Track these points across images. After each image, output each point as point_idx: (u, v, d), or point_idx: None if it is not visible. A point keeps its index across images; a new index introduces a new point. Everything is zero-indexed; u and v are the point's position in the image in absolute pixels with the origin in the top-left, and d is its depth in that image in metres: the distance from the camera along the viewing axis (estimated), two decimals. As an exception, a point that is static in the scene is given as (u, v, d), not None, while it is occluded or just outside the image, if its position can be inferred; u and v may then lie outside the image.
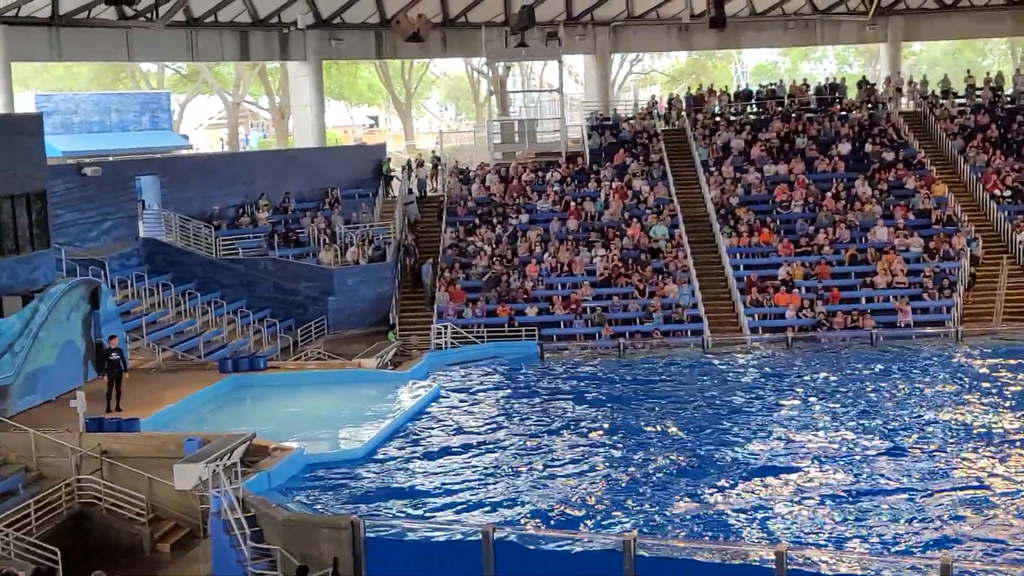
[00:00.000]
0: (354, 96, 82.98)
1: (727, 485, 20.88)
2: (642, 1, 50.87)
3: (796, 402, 27.38)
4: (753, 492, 20.48)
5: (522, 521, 19.22)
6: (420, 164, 47.62)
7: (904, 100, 50.41)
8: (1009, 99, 48.66)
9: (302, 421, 25.99)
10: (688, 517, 19.13)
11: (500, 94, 58.31)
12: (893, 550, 17.35)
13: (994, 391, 27.66)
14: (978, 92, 49.26)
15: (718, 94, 50.59)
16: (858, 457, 22.37)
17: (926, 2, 51.50)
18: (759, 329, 36.18)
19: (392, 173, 46.12)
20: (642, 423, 25.66)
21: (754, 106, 50.11)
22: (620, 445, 23.95)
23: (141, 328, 31.91)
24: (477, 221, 41.99)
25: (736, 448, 23.37)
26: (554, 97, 51.20)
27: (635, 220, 41.19)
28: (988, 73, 52.66)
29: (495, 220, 42.01)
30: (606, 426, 25.58)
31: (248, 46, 47.62)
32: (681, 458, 22.63)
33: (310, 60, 49.20)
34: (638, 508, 19.67)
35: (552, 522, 19.15)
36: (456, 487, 21.29)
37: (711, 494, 20.41)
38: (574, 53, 55.36)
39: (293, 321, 37.01)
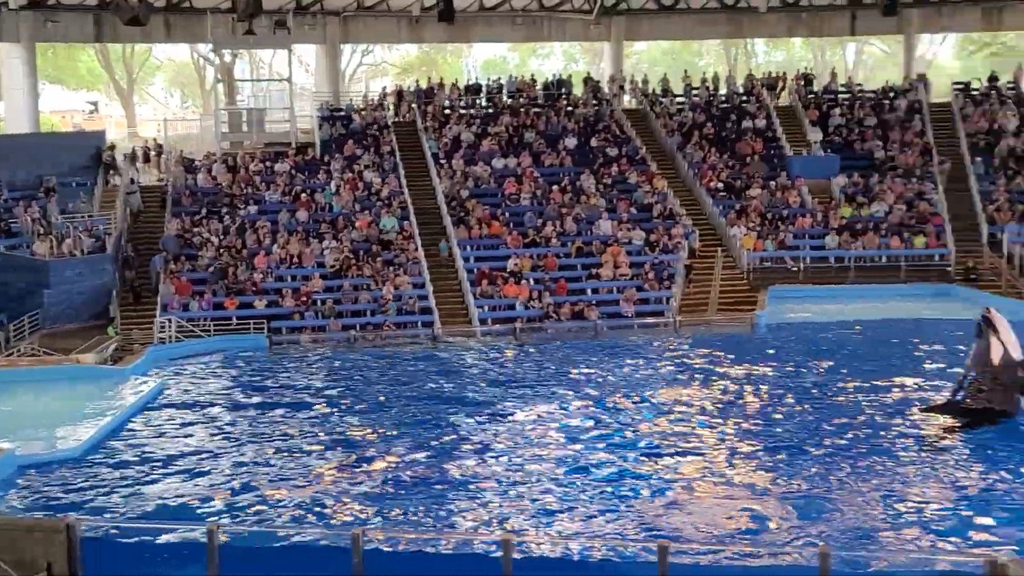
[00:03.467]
0: (72, 80, 79.35)
1: (456, 475, 21.01)
2: (373, -8, 50.74)
3: (524, 391, 27.83)
4: (481, 481, 20.67)
5: (249, 518, 18.79)
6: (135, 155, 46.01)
7: (627, 97, 52.09)
8: (723, 99, 51.01)
9: (14, 420, 24.66)
10: (420, 508, 19.13)
11: (227, 82, 56.90)
12: (616, 534, 17.84)
13: (707, 378, 28.88)
14: (695, 91, 51.41)
15: (448, 87, 50.97)
16: (585, 444, 22.92)
17: (647, 3, 53.37)
18: (488, 320, 36.76)
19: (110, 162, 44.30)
20: (374, 416, 25.54)
21: (484, 100, 50.73)
22: (351, 438, 23.75)
23: None
24: (204, 211, 40.86)
25: (465, 439, 23.56)
26: (283, 86, 50.37)
27: (366, 212, 41.05)
28: (704, 73, 55.06)
29: (223, 211, 40.99)
30: (337, 420, 25.35)
31: (-46, 25, 44.85)
32: (412, 449, 22.63)
33: (23, 42, 46.70)
34: (370, 501, 19.54)
35: (281, 519, 18.80)
36: (179, 485, 20.62)
37: (440, 485, 20.48)
38: (303, 43, 54.61)
39: (5, 316, 34.98)
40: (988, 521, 17.61)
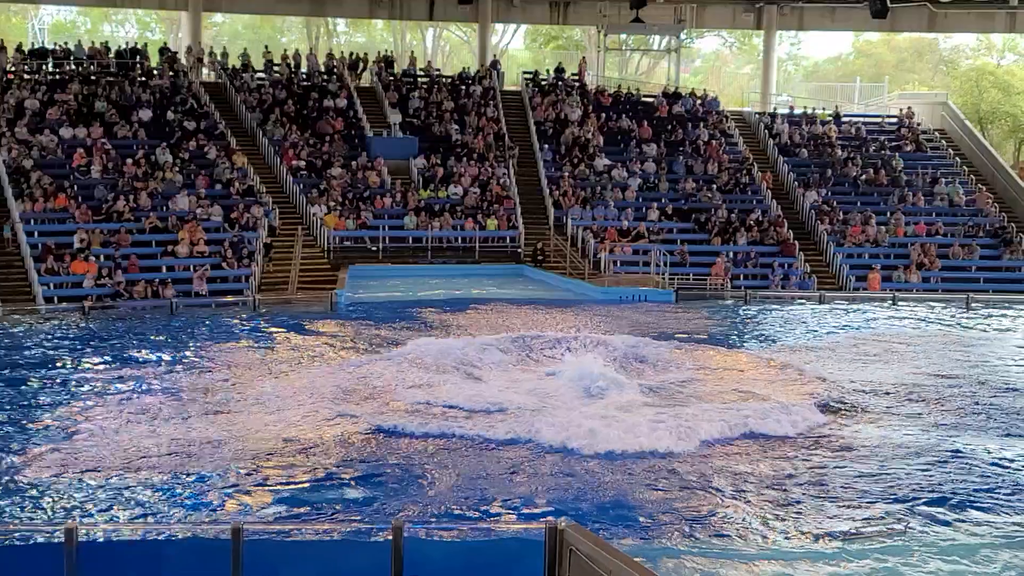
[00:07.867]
0: None
1: (18, 462, 19.70)
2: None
3: (94, 374, 26.56)
4: (48, 467, 19.50)
5: None
6: None
7: (205, 71, 50.82)
8: (304, 77, 50.81)
9: None
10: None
11: None
12: (194, 513, 17.36)
13: (286, 359, 28.66)
14: (276, 68, 50.90)
15: (10, 50, 47.71)
16: (165, 428, 22.10)
17: (225, -25, 52.25)
18: (55, 299, 34.84)
19: None
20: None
21: (51, 65, 47.89)
22: None
23: None
24: None
25: (26, 424, 22.17)
26: None
27: (-85, 181, 37.79)
28: (286, 51, 54.64)
29: None
30: None
31: None
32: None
33: None
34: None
35: None
36: None
37: (8, 472, 19.14)
38: None
39: None
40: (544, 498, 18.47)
